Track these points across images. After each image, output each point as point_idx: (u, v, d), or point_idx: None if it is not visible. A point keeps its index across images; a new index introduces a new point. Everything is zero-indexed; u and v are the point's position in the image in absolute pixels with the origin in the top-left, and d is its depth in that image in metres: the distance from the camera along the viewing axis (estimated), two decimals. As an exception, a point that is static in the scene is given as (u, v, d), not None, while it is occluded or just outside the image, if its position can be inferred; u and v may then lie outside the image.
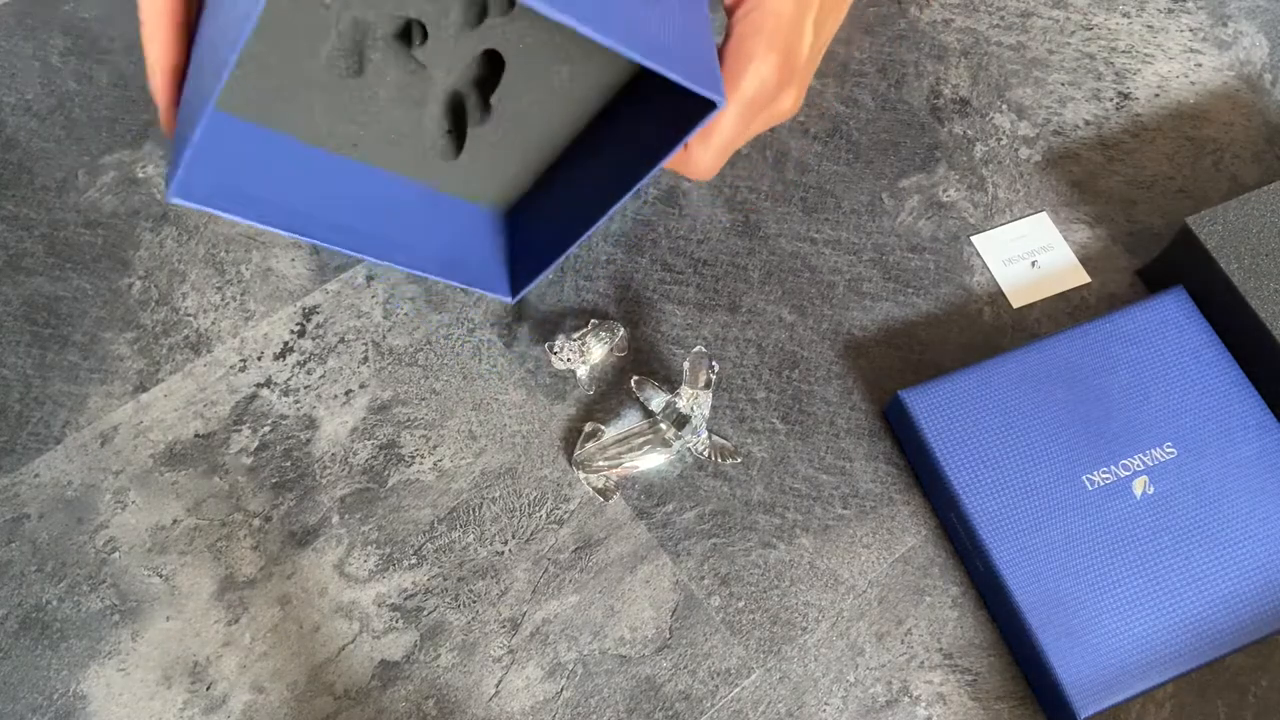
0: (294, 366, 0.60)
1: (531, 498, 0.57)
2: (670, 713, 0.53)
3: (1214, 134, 0.68)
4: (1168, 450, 0.55)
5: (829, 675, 0.54)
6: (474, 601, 0.55)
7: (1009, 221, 0.65)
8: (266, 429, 0.58)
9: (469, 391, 0.60)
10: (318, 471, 0.57)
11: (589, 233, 0.51)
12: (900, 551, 0.57)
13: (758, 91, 0.44)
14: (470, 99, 0.53)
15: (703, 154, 0.47)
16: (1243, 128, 0.69)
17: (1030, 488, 0.54)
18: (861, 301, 0.63)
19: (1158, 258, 0.62)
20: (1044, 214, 0.66)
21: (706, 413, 0.56)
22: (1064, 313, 0.63)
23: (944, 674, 0.54)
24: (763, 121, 0.47)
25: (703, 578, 0.56)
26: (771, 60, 0.43)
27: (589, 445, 0.57)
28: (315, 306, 0.62)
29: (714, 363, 0.55)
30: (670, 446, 0.56)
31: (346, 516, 0.57)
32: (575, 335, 0.59)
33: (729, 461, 0.58)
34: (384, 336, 0.61)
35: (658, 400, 0.58)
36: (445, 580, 0.55)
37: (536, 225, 0.56)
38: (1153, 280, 0.63)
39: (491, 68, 0.52)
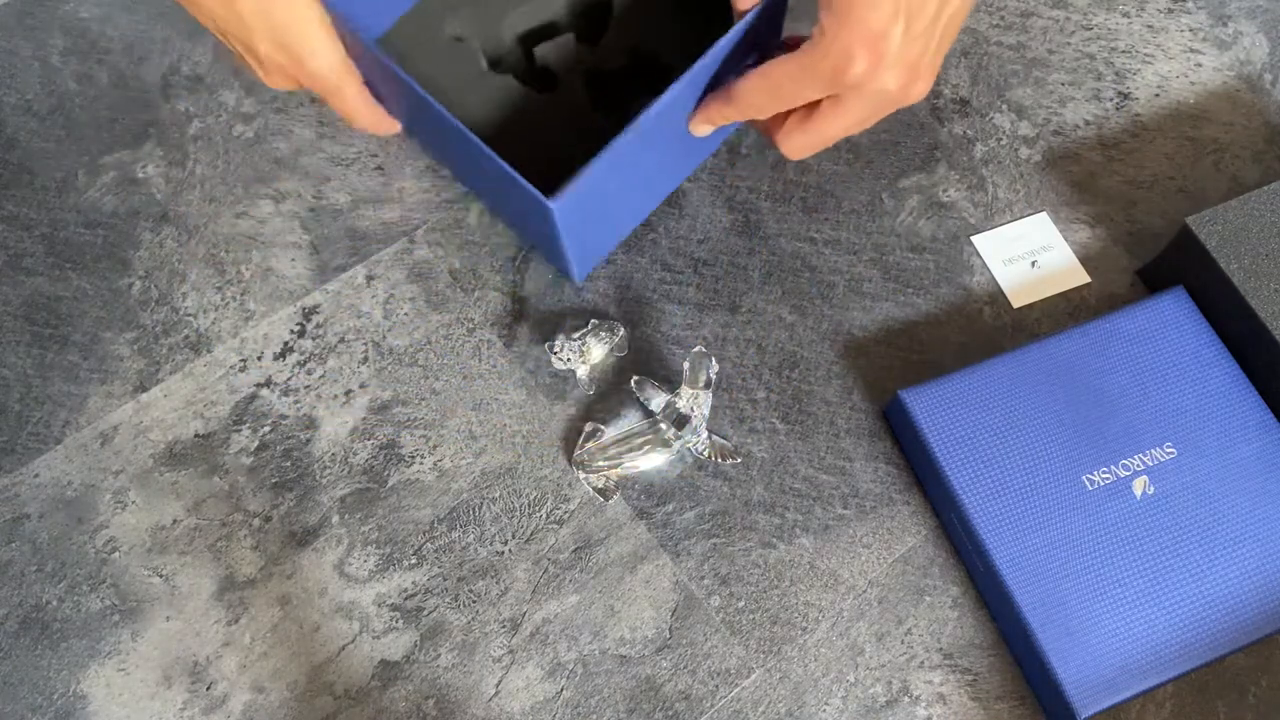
0: (294, 366, 0.60)
1: (531, 498, 0.57)
2: (670, 713, 0.53)
3: (1214, 134, 0.68)
4: (1168, 450, 0.55)
5: (829, 675, 0.54)
6: (474, 601, 0.55)
7: (1009, 221, 0.65)
8: (266, 429, 0.58)
9: (469, 391, 0.60)
10: (318, 471, 0.57)
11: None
12: (900, 551, 0.57)
13: (878, 107, 0.46)
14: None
15: (803, 138, 0.49)
16: (1243, 128, 0.69)
17: (1030, 488, 0.54)
18: (861, 301, 0.63)
19: (1158, 258, 0.62)
20: (1044, 214, 0.66)
21: (706, 413, 0.56)
22: (1064, 313, 0.63)
23: (944, 674, 0.54)
24: (884, 114, 0.48)
25: (703, 578, 0.56)
26: (893, 77, 0.44)
27: (589, 445, 0.57)
28: (315, 306, 0.62)
29: (714, 362, 0.55)
30: (670, 446, 0.56)
31: (346, 516, 0.57)
32: (575, 335, 0.59)
33: (729, 461, 0.58)
34: (384, 336, 0.61)
35: (658, 400, 0.58)
36: (445, 580, 0.55)
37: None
38: (1153, 280, 0.63)
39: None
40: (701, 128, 0.53)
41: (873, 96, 0.45)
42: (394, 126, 0.57)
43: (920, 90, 0.46)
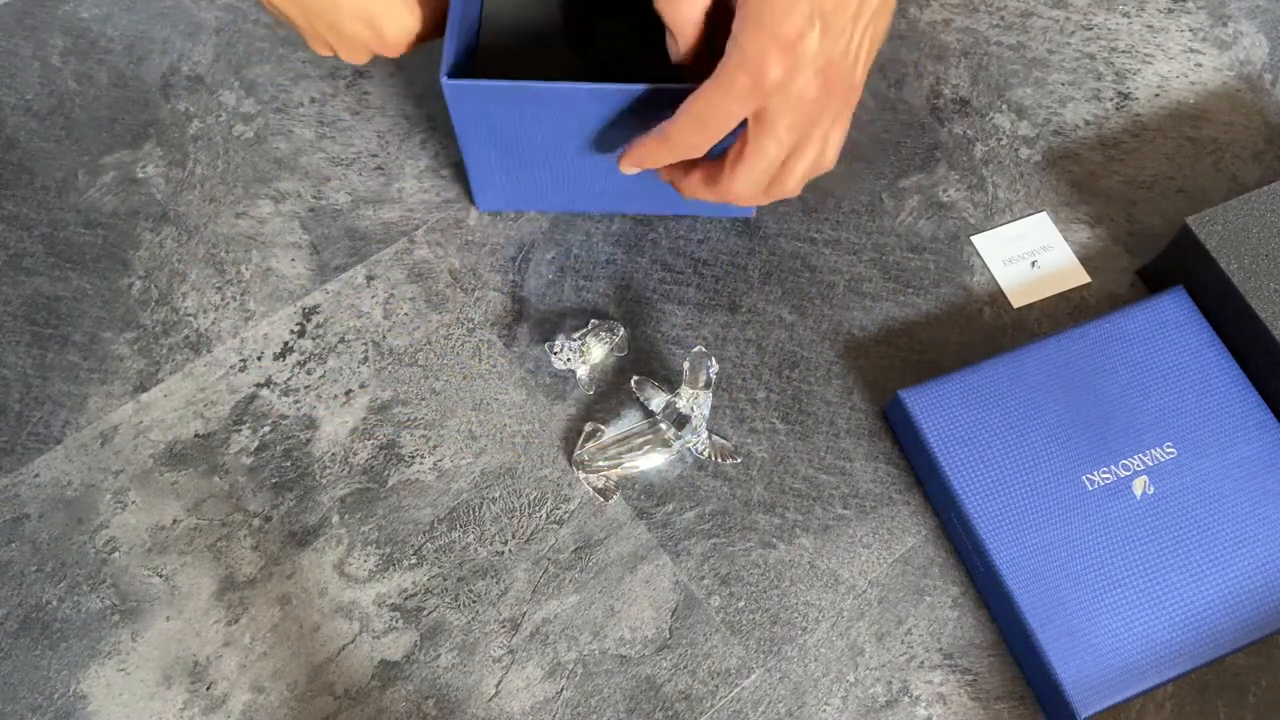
0: (294, 366, 0.60)
1: (531, 498, 0.57)
2: (670, 713, 0.53)
3: (1214, 134, 0.68)
4: (1168, 450, 0.55)
5: (829, 675, 0.54)
6: (474, 601, 0.55)
7: (1009, 221, 0.65)
8: (266, 429, 0.58)
9: (469, 391, 0.60)
10: (318, 471, 0.57)
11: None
12: (900, 551, 0.57)
13: (803, 115, 0.45)
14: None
15: (746, 174, 0.47)
16: (1243, 128, 0.69)
17: (1030, 488, 0.54)
18: (861, 301, 0.63)
19: (1158, 258, 0.62)
20: (1044, 214, 0.66)
21: (706, 413, 0.56)
22: (1064, 313, 0.63)
23: (944, 674, 0.54)
24: (784, 120, 0.46)
25: (703, 578, 0.56)
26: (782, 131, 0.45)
27: (589, 445, 0.57)
28: (315, 306, 0.62)
29: (714, 362, 0.55)
30: (670, 446, 0.56)
31: (346, 516, 0.57)
32: (575, 335, 0.59)
33: (729, 461, 0.58)
34: (384, 336, 0.61)
35: (658, 400, 0.58)
36: (445, 580, 0.55)
37: None
38: (1153, 280, 0.63)
39: None
40: (629, 168, 0.52)
41: (794, 103, 0.45)
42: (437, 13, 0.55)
43: (845, 94, 0.46)
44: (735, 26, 0.43)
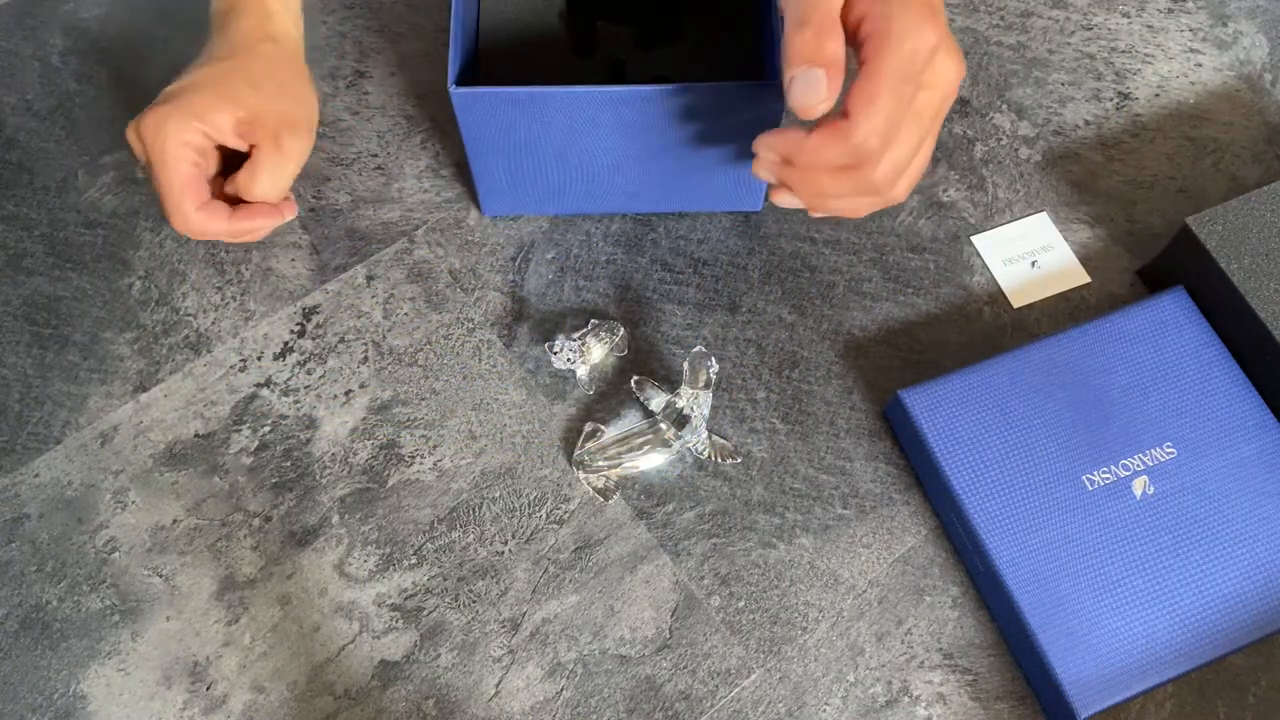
0: (294, 366, 0.60)
1: (531, 498, 0.57)
2: (670, 713, 0.53)
3: (1214, 134, 0.68)
4: (1168, 450, 0.55)
5: (829, 675, 0.54)
6: (474, 601, 0.55)
7: (1009, 221, 0.65)
8: (266, 429, 0.58)
9: (469, 391, 0.60)
10: (318, 471, 0.57)
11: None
12: (900, 551, 0.57)
13: (913, 52, 0.39)
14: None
15: (868, 126, 0.40)
16: (1243, 128, 0.69)
17: (1030, 488, 0.54)
18: (861, 301, 0.63)
19: (1158, 258, 0.62)
20: (1044, 214, 0.66)
21: (706, 413, 0.56)
22: (1064, 313, 0.63)
23: (944, 674, 0.54)
24: (931, 101, 0.41)
25: (703, 578, 0.56)
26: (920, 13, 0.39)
27: (589, 445, 0.57)
28: (315, 306, 0.62)
29: (714, 362, 0.55)
30: (670, 446, 0.56)
31: (346, 516, 0.57)
32: (575, 335, 0.59)
33: (729, 461, 0.58)
34: (384, 336, 0.61)
35: (658, 400, 0.58)
36: (445, 580, 0.55)
37: None
38: (1153, 280, 0.63)
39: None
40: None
41: (943, 83, 0.41)
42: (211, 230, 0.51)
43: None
44: (870, 7, 0.40)
